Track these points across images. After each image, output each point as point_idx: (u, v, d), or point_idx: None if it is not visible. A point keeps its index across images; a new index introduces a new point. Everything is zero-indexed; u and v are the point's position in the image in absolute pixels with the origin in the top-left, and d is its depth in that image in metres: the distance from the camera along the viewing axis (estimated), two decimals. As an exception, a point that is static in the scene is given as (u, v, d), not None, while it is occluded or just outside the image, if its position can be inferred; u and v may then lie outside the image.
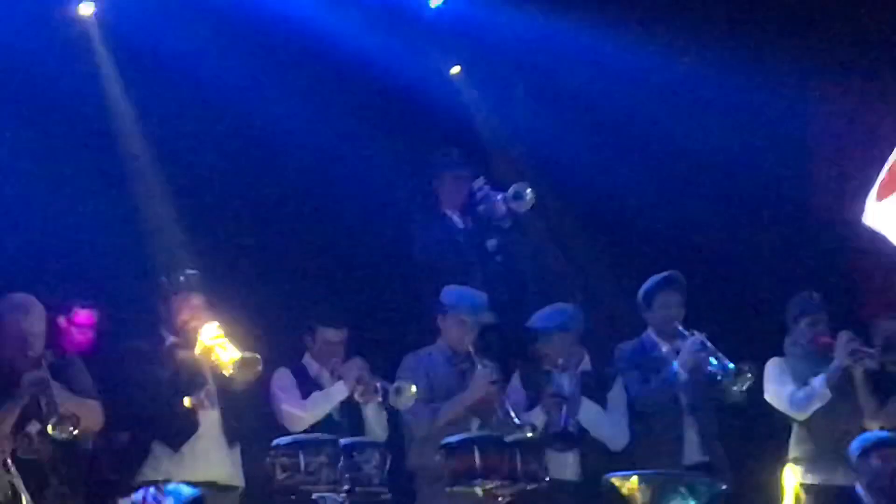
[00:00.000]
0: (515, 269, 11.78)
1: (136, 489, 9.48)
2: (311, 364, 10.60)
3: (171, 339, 10.11)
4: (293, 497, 9.77)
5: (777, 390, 11.02)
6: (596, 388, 10.88)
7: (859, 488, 10.17)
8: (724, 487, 9.75)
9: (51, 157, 10.75)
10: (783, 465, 11.10)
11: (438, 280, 11.17)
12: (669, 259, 11.58)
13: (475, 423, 10.53)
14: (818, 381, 10.92)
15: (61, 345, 10.06)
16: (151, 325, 10.23)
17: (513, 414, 10.34)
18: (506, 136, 12.61)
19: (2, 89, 10.70)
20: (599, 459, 10.40)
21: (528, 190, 11.47)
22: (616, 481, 8.95)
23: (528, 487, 9.80)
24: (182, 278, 10.20)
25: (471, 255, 11.65)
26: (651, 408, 10.86)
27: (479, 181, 11.71)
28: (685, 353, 10.78)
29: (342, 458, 9.82)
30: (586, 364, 10.99)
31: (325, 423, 10.42)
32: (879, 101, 12.45)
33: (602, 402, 10.90)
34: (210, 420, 10.00)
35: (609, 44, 11.78)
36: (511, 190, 11.50)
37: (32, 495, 9.32)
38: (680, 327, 10.97)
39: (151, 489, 8.53)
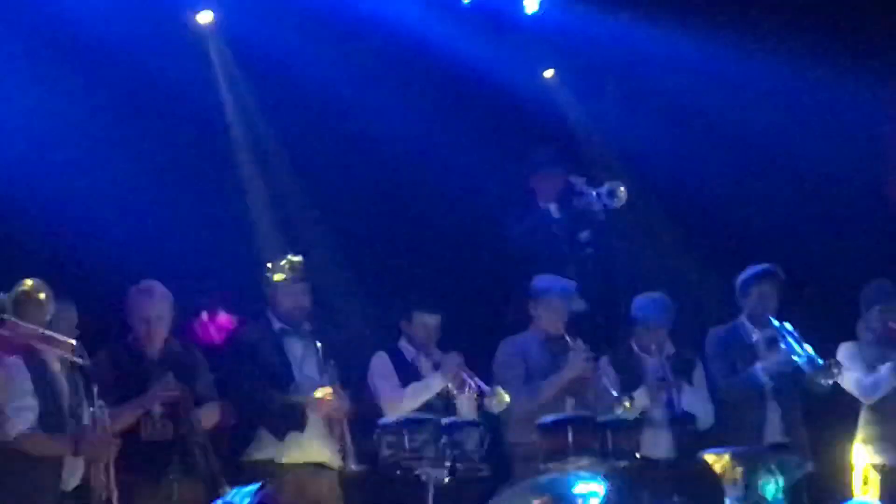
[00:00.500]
0: (606, 260, 11.50)
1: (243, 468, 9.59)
2: (407, 349, 10.39)
3: (278, 325, 9.97)
4: (398, 473, 9.64)
5: (847, 374, 10.71)
6: (680, 371, 10.67)
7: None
8: (809, 467, 9.49)
9: (168, 156, 10.65)
10: (853, 445, 10.82)
11: (532, 268, 11.07)
12: (750, 249, 11.48)
13: (570, 403, 10.35)
14: (886, 368, 10.69)
15: (193, 336, 9.99)
16: (260, 313, 10.10)
17: (610, 388, 10.24)
18: (597, 135, 12.45)
19: (126, 93, 10.53)
20: (690, 438, 10.15)
21: (622, 188, 11.23)
22: (709, 458, 8.76)
23: (620, 464, 9.61)
24: (286, 265, 10.06)
25: (563, 246, 11.45)
26: (734, 397, 10.67)
27: (579, 178, 11.42)
28: (773, 363, 10.60)
29: (443, 436, 9.63)
30: (670, 348, 10.77)
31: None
32: None
33: (688, 380, 10.76)
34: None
35: (692, 46, 11.61)
36: (606, 187, 11.27)
37: (155, 474, 9.25)
38: (772, 318, 10.71)
39: None
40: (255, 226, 11.23)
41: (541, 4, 11.97)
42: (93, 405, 8.88)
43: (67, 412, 8.87)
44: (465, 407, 10.37)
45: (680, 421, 10.42)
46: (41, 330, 8.67)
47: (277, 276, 10.04)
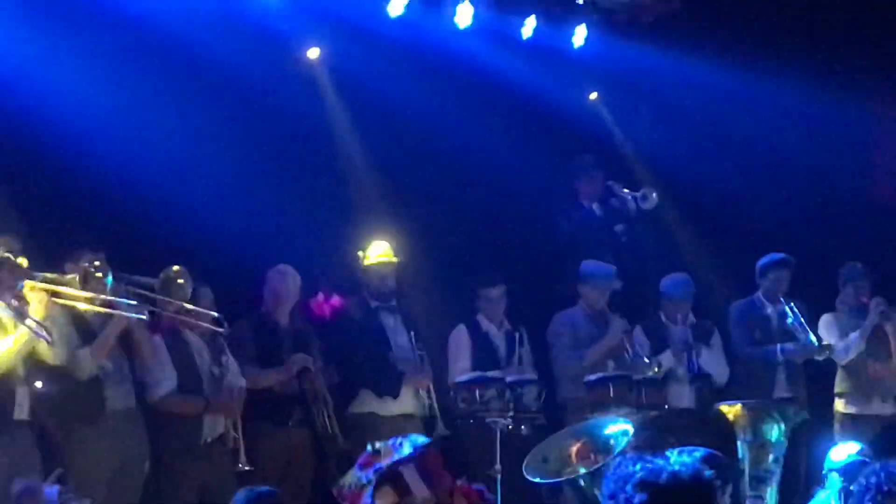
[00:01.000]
0: (637, 248, 11.78)
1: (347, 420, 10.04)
2: (482, 321, 10.79)
3: (374, 303, 10.42)
4: (471, 421, 10.06)
5: (828, 341, 11.13)
6: (700, 337, 11.06)
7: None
8: (805, 416, 9.67)
9: (284, 166, 10.84)
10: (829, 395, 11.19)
11: (578, 256, 11.30)
12: (755, 238, 11.85)
13: (611, 365, 10.70)
14: (855, 335, 11.05)
15: (308, 311, 10.31)
16: (359, 290, 10.51)
17: (642, 353, 10.67)
18: (631, 146, 12.58)
19: (252, 116, 10.75)
20: (709, 392, 10.57)
21: (654, 194, 11.64)
22: (724, 408, 8.92)
23: (651, 414, 10.01)
24: (379, 251, 10.48)
25: (603, 237, 11.71)
26: (748, 357, 11.05)
27: (616, 183, 11.81)
28: (790, 350, 11.05)
29: (507, 391, 10.07)
30: (692, 319, 11.16)
31: (491, 362, 10.60)
32: None
33: (706, 346, 11.09)
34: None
35: (708, 73, 11.70)
36: (641, 192, 11.67)
37: (280, 423, 9.75)
38: (782, 299, 11.13)
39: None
40: (351, 220, 11.17)
41: (586, 39, 11.95)
42: (227, 372, 9.45)
43: (205, 377, 9.37)
44: (527, 360, 10.78)
45: (699, 378, 10.79)
46: (185, 305, 9.12)
47: (368, 259, 10.46)
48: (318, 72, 11.43)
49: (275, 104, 10.94)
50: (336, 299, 10.31)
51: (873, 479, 5.04)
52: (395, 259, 10.47)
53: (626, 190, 11.78)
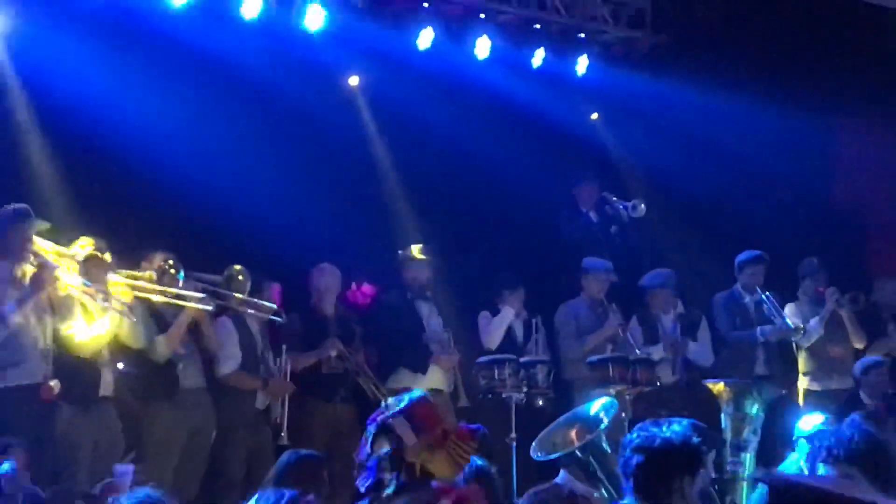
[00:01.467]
0: (630, 247, 11.72)
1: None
2: (504, 308, 10.75)
3: (410, 294, 10.45)
4: (490, 396, 10.10)
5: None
6: (688, 325, 11.04)
7: (862, 394, 10.26)
8: (783, 392, 9.63)
9: (331, 179, 10.84)
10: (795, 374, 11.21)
11: (579, 254, 11.31)
12: (733, 239, 11.74)
13: (609, 347, 10.72)
14: (814, 321, 11.12)
15: (345, 300, 10.33)
16: (399, 284, 10.53)
17: (635, 346, 10.64)
18: (627, 161, 12.56)
19: (302, 136, 10.79)
20: (695, 373, 10.53)
21: (642, 205, 11.57)
22: (710, 385, 8.92)
23: (645, 389, 10.05)
24: (413, 251, 10.48)
25: (600, 238, 11.67)
26: (735, 339, 11.08)
27: (610, 194, 11.77)
28: (769, 331, 11.01)
29: (521, 370, 10.13)
30: (680, 308, 11.16)
31: (510, 344, 10.64)
32: (881, 124, 12.23)
33: (694, 334, 11.07)
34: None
35: (693, 96, 11.62)
36: (631, 203, 11.61)
37: (327, 398, 9.77)
38: (759, 289, 11.11)
39: None
40: (390, 226, 11.31)
41: (588, 68, 11.90)
42: (280, 356, 9.50)
43: (260, 359, 9.46)
44: (542, 343, 10.77)
45: (687, 366, 10.76)
46: (247, 297, 9.29)
47: (407, 258, 10.47)
48: (357, 96, 11.49)
49: (321, 124, 10.97)
50: (367, 287, 10.29)
51: (825, 443, 5.12)
52: (426, 257, 10.49)
53: (615, 199, 11.74)
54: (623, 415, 8.91)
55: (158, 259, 9.05)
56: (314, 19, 10.27)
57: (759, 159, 12.06)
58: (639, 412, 9.65)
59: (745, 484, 7.36)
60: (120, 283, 8.74)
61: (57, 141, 9.71)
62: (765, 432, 8.37)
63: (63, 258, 8.50)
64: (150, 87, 9.85)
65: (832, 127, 12.44)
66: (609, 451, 6.20)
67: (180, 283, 9.00)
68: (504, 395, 9.97)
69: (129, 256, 9.04)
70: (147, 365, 9.03)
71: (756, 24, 12.09)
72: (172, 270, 8.98)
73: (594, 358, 10.34)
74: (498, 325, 10.70)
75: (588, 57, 11.99)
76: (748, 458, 7.80)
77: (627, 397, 9.77)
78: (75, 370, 8.51)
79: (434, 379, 10.22)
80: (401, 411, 4.83)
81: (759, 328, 11.07)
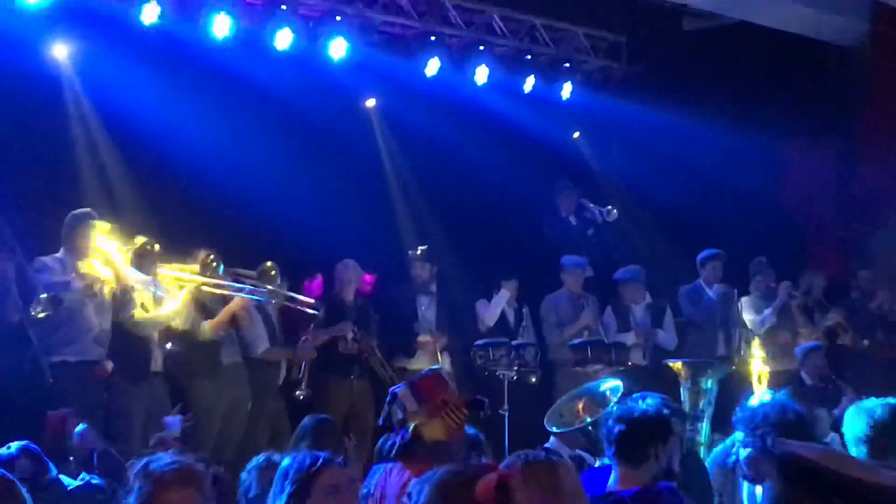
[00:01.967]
0: (604, 246, 11.73)
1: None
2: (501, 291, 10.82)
3: (413, 287, 10.45)
4: (486, 374, 10.08)
5: (747, 317, 11.22)
6: (656, 314, 11.09)
7: (804, 375, 10.35)
8: (732, 368, 9.81)
9: (346, 190, 10.86)
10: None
11: (561, 253, 11.33)
12: (693, 240, 11.71)
13: (585, 333, 10.74)
14: (767, 312, 11.12)
15: (362, 291, 10.25)
16: (405, 279, 10.53)
17: (606, 335, 10.70)
18: (604, 172, 12.58)
19: (323, 150, 10.80)
20: (661, 353, 10.56)
21: (615, 210, 11.57)
22: (670, 364, 9.00)
23: (619, 368, 10.00)
24: (418, 252, 10.50)
25: (578, 239, 11.66)
26: (699, 320, 11.07)
27: (587, 201, 11.77)
28: (716, 293, 11.02)
29: (513, 351, 10.12)
30: (649, 299, 11.18)
31: (504, 329, 10.66)
32: (820, 143, 12.30)
33: (661, 321, 11.11)
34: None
35: (661, 117, 11.57)
36: (606, 208, 11.62)
37: (343, 375, 9.73)
38: (717, 283, 11.16)
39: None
40: (399, 227, 11.31)
41: (571, 93, 11.92)
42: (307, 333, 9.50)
43: (278, 339, 9.42)
44: (529, 327, 10.70)
45: (655, 349, 10.80)
46: (290, 293, 9.32)
47: (415, 257, 10.48)
48: (374, 116, 11.55)
49: (342, 140, 11.03)
50: (368, 276, 10.16)
51: (765, 410, 5.14)
52: (425, 258, 10.49)
53: (593, 205, 11.73)
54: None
55: (202, 254, 9.08)
56: (338, 50, 10.28)
57: (716, 172, 12.03)
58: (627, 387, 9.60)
59: (701, 448, 7.34)
60: (169, 275, 8.79)
61: (116, 152, 9.75)
62: (721, 407, 8.44)
63: (120, 253, 8.54)
64: (195, 107, 9.81)
65: (779, 145, 12.40)
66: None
67: (220, 275, 9.01)
68: (498, 373, 9.96)
69: (177, 252, 9.08)
70: (192, 345, 9.02)
71: (716, 57, 12.09)
72: (214, 264, 8.99)
73: (575, 341, 10.38)
74: (496, 304, 10.74)
75: (572, 83, 12.00)
76: (704, 426, 7.86)
77: (603, 376, 9.40)
78: (130, 349, 8.56)
79: (421, 360, 10.18)
80: (408, 383, 4.87)
81: (717, 316, 11.08)
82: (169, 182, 9.75)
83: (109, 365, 8.40)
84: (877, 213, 12.00)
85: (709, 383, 8.37)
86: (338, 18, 10.22)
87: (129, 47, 9.39)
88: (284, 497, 4.05)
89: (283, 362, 9.57)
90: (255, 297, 9.07)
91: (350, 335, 9.73)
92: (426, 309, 10.42)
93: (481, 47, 11.31)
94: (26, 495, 4.28)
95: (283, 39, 9.99)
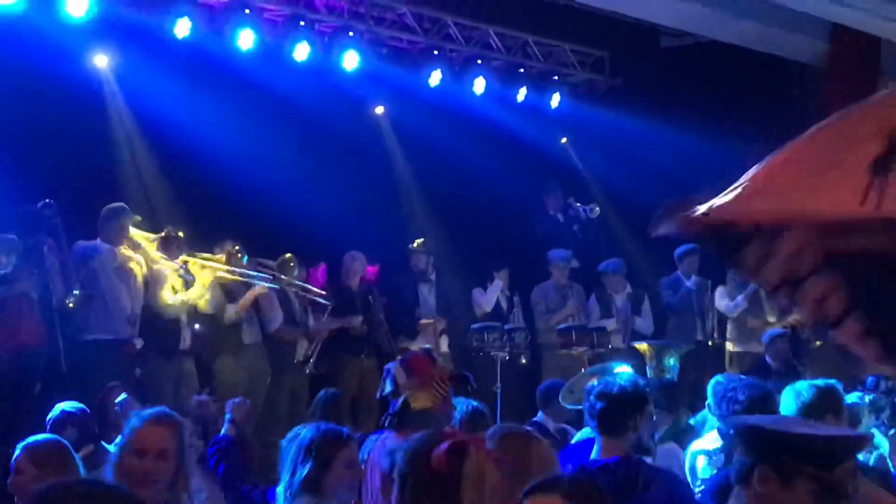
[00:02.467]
0: (588, 242, 11.73)
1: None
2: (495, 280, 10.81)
3: (413, 276, 10.44)
4: (480, 354, 10.11)
5: (721, 303, 11.13)
6: (635, 302, 11.06)
7: (768, 358, 10.26)
8: (692, 347, 9.70)
9: (356, 190, 10.74)
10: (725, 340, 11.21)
11: (548, 247, 11.32)
12: (666, 238, 11.39)
13: (571, 319, 10.73)
14: (740, 298, 10.99)
15: (366, 280, 10.21)
16: (408, 269, 10.51)
17: (588, 321, 10.69)
18: (588, 174, 12.53)
19: (333, 155, 10.64)
20: (639, 338, 10.51)
21: (598, 208, 11.60)
22: (637, 346, 9.01)
23: (599, 351, 9.99)
24: (418, 244, 10.52)
25: (565, 234, 11.67)
26: (678, 308, 10.99)
27: (572, 200, 11.80)
28: (693, 283, 10.90)
29: (505, 335, 10.16)
30: (629, 289, 11.17)
31: (497, 315, 10.63)
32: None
33: (639, 309, 11.09)
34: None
35: (639, 124, 11.53)
36: (589, 206, 11.64)
37: (355, 353, 9.71)
38: (694, 275, 11.06)
39: None
40: (403, 222, 11.32)
41: (559, 103, 11.82)
42: (308, 317, 9.48)
43: (299, 321, 9.45)
44: (518, 314, 10.74)
45: (632, 333, 10.75)
46: (302, 283, 9.31)
47: (413, 249, 10.48)
48: (382, 123, 11.54)
49: (353, 143, 10.98)
50: (372, 268, 10.13)
51: (731, 386, 5.17)
52: (426, 249, 10.50)
53: (578, 204, 11.73)
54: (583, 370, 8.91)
55: (227, 245, 9.11)
56: (350, 62, 10.25)
57: (688, 175, 11.51)
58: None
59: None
60: (197, 263, 8.78)
61: (150, 152, 9.77)
62: (695, 386, 8.41)
63: (149, 242, 8.60)
64: (222, 112, 9.80)
65: (744, 151, 11.65)
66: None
67: (244, 264, 9.02)
68: (491, 354, 9.99)
69: (205, 242, 9.11)
70: (216, 326, 9.04)
71: (689, 72, 12.04)
72: (238, 254, 9.01)
73: (562, 326, 10.36)
74: (492, 292, 10.72)
75: (560, 94, 11.94)
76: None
77: (586, 357, 9.73)
78: (160, 329, 8.60)
79: (422, 342, 10.12)
80: (400, 360, 4.91)
81: (686, 283, 11.03)
82: (198, 180, 9.71)
83: (139, 342, 8.45)
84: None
85: (671, 361, 8.43)
86: (350, 34, 10.22)
87: (164, 57, 9.41)
88: (307, 468, 4.02)
89: (302, 341, 9.52)
90: (272, 286, 9.08)
91: (357, 324, 9.73)
92: (428, 295, 10.39)
93: (479, 61, 11.30)
94: (78, 460, 4.30)
95: (302, 52, 9.98)
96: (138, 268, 8.49)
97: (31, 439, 4.39)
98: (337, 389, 7.79)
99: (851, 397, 6.43)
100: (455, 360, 10.23)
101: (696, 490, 5.10)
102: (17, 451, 4.32)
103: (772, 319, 11.06)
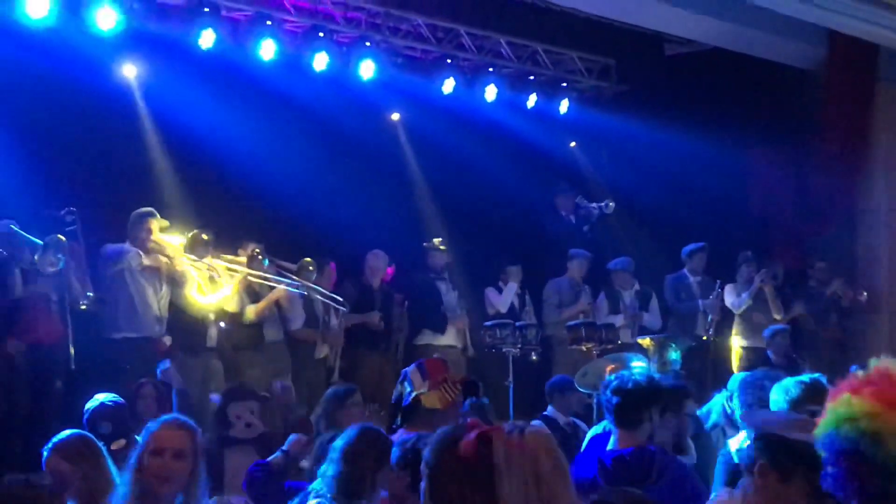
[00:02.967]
0: (598, 240, 11.68)
1: (413, 349, 9.89)
2: (502, 286, 10.75)
3: (432, 274, 10.36)
4: (493, 350, 10.01)
5: (729, 299, 11.11)
6: (643, 299, 11.01)
7: (769, 353, 10.27)
8: (692, 343, 9.64)
9: (374, 193, 10.79)
10: (731, 334, 11.17)
11: (560, 246, 11.29)
12: (673, 237, 11.65)
13: (581, 316, 10.68)
14: (745, 295, 11.01)
15: (384, 279, 10.21)
16: (425, 267, 10.45)
17: (598, 318, 10.64)
18: (596, 176, 12.50)
19: (353, 160, 10.63)
20: (647, 333, 10.26)
21: (612, 203, 11.54)
22: (639, 341, 8.98)
23: (608, 347, 9.86)
24: (435, 242, 10.47)
25: (576, 233, 11.64)
26: (682, 309, 10.99)
27: (583, 199, 11.75)
28: (709, 305, 10.88)
29: (517, 331, 10.05)
30: (637, 286, 11.10)
31: (509, 313, 10.58)
32: (782, 153, 12.17)
33: (647, 305, 11.04)
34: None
35: (645, 128, 11.50)
36: (604, 202, 11.57)
37: (373, 348, 9.71)
38: (702, 273, 11.08)
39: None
40: (419, 223, 11.22)
41: (568, 108, 11.80)
42: (330, 318, 9.39)
43: (321, 320, 9.42)
44: (529, 312, 10.72)
45: (640, 329, 10.64)
46: (317, 288, 9.20)
47: (430, 247, 10.42)
48: (398, 128, 11.53)
49: (370, 148, 10.96)
50: (389, 268, 10.11)
51: (750, 378, 5.28)
52: (444, 248, 10.45)
53: (592, 204, 11.65)
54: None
55: (250, 247, 9.13)
56: (367, 71, 10.26)
57: (692, 177, 11.85)
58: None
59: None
60: (221, 265, 8.82)
61: (175, 159, 9.76)
62: (701, 377, 8.37)
63: (176, 244, 8.64)
64: (245, 119, 9.85)
65: (746, 154, 12.26)
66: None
67: (265, 267, 9.03)
68: (504, 350, 9.91)
69: (228, 244, 9.14)
70: (240, 324, 9.04)
71: (692, 78, 11.99)
72: (260, 257, 9.04)
73: (571, 322, 10.30)
74: (507, 294, 10.67)
75: (568, 100, 11.92)
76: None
77: (595, 353, 9.66)
78: (188, 326, 8.65)
79: (449, 338, 10.20)
80: (416, 364, 4.92)
81: (699, 301, 11.00)
82: (222, 184, 9.75)
83: (168, 340, 8.51)
84: (830, 213, 11.98)
85: (673, 355, 8.41)
86: (367, 44, 10.24)
87: (189, 67, 9.45)
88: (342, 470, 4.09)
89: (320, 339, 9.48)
90: (291, 289, 9.06)
91: (376, 319, 9.71)
92: (446, 292, 10.35)
93: (490, 69, 11.29)
94: (106, 454, 4.30)
95: (321, 62, 10.00)
96: (165, 268, 8.52)
97: (57, 437, 4.36)
98: (355, 384, 7.76)
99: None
100: (466, 354, 10.23)
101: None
102: (46, 453, 4.28)
103: (777, 316, 11.03)
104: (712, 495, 4.18)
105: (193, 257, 8.63)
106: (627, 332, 10.61)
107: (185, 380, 8.42)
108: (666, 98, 11.84)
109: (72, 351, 7.66)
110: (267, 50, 9.58)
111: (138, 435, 6.15)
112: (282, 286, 9.03)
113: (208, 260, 8.77)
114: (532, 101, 11.67)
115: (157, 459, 3.82)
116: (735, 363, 10.77)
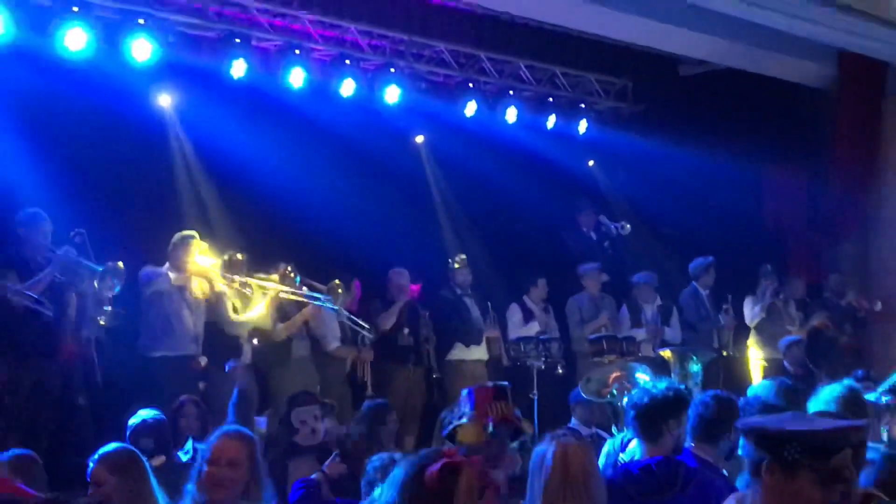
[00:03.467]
0: (617, 257, 11.61)
1: (444, 364, 9.82)
2: (527, 301, 10.67)
3: (458, 291, 10.27)
4: (518, 363, 9.98)
5: (745, 312, 11.09)
6: (664, 314, 10.95)
7: (786, 363, 10.24)
8: (714, 356, 9.61)
9: (399, 213, 10.72)
10: (748, 347, 11.13)
11: (582, 262, 11.19)
12: (689, 251, 11.56)
13: (604, 329, 10.59)
14: (757, 308, 10.99)
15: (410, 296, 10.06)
16: (449, 285, 10.35)
17: (619, 331, 10.54)
18: (614, 195, 12.43)
19: (378, 180, 10.57)
20: (664, 346, 10.21)
21: (628, 225, 11.47)
22: (662, 353, 8.96)
23: (629, 359, 9.64)
24: (460, 259, 10.37)
25: (596, 249, 11.58)
26: (699, 323, 10.95)
27: (604, 217, 11.68)
28: (723, 326, 10.87)
29: (541, 345, 10.03)
30: (658, 300, 11.05)
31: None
32: (794, 169, 12.20)
33: (668, 319, 10.98)
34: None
35: (661, 147, 11.48)
36: (620, 224, 11.52)
37: (401, 363, 9.64)
38: (710, 288, 11.05)
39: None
40: (444, 241, 11.23)
41: (587, 129, 11.74)
42: (364, 340, 9.35)
43: (350, 337, 9.38)
44: (553, 327, 10.60)
45: (661, 343, 10.53)
46: (346, 312, 9.15)
47: (455, 265, 10.31)
48: (422, 150, 11.50)
49: (396, 169, 10.92)
50: (415, 286, 10.01)
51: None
52: (467, 266, 10.39)
53: (610, 222, 11.62)
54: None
55: (281, 267, 9.10)
56: (392, 96, 10.28)
57: (709, 193, 11.87)
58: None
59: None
60: (253, 284, 8.81)
61: (209, 183, 9.79)
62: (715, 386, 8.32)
63: (211, 266, 8.64)
64: (276, 144, 9.84)
65: (760, 170, 12.26)
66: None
67: (296, 285, 9.01)
68: (528, 363, 9.89)
69: (261, 265, 9.11)
70: (272, 341, 9.03)
71: (707, 97, 11.99)
72: (292, 275, 9.01)
73: (593, 336, 10.23)
74: (530, 328, 10.51)
75: (587, 121, 11.88)
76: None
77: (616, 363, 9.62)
78: (222, 345, 8.64)
79: (479, 351, 10.14)
80: (470, 389, 4.76)
81: (720, 315, 10.96)
82: (254, 207, 9.76)
83: (204, 360, 8.50)
84: (842, 226, 11.93)
85: (695, 367, 8.32)
86: (392, 70, 10.25)
87: (222, 96, 9.48)
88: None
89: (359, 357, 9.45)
90: (324, 306, 9.05)
91: (406, 330, 9.65)
92: (471, 307, 10.28)
93: (511, 92, 11.27)
94: (149, 469, 4.30)
95: (348, 88, 10.03)
96: (201, 289, 8.52)
97: (103, 449, 4.33)
98: (385, 399, 7.72)
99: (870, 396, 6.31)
100: (493, 368, 10.18)
101: None
102: (92, 464, 4.26)
103: (791, 328, 10.97)
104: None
105: (229, 277, 8.64)
106: (649, 346, 10.54)
107: (219, 398, 8.38)
108: (681, 117, 11.83)
109: (96, 367, 7.65)
110: (296, 78, 9.62)
111: (179, 451, 6.21)
112: (312, 305, 9.02)
113: (243, 278, 8.78)
114: (552, 122, 11.64)
115: (213, 468, 3.93)
116: (759, 374, 10.69)
